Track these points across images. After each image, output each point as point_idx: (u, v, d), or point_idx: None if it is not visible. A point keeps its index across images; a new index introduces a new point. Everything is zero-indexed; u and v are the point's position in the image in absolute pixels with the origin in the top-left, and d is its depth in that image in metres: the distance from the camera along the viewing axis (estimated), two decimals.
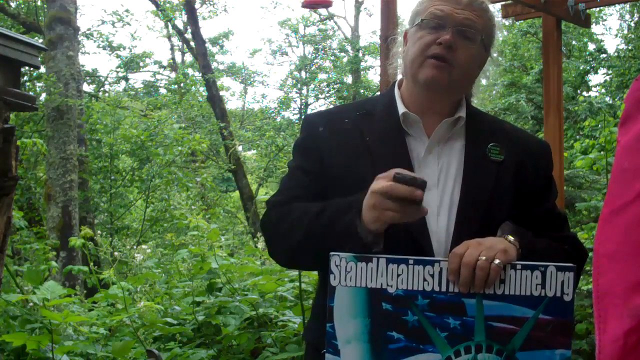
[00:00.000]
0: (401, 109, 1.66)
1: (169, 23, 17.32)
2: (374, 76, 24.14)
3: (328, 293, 1.46)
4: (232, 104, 28.87)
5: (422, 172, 1.60)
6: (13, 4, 13.39)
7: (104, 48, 16.80)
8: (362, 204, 1.45)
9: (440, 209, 1.59)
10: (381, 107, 1.70)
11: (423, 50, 1.59)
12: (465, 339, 1.44)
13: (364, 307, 1.45)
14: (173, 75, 19.68)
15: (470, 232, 1.53)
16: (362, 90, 22.42)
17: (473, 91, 1.75)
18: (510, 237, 1.50)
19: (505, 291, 1.44)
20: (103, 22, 16.21)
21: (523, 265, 1.45)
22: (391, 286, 1.45)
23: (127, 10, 18.16)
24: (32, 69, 6.94)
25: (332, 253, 1.46)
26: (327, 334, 1.46)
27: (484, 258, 1.41)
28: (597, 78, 35.61)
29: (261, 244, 5.76)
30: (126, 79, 17.51)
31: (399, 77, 1.74)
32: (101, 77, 16.80)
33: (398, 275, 1.45)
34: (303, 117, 1.80)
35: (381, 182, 1.42)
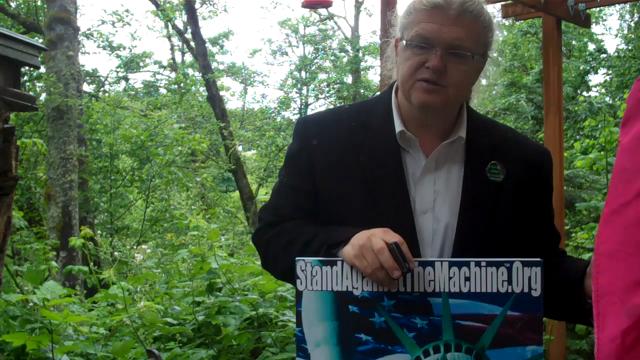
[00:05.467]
0: (398, 126, 1.60)
1: (169, 23, 17.31)
2: (374, 76, 24.13)
3: (296, 298, 1.48)
4: (232, 104, 28.90)
5: (417, 197, 1.58)
6: (13, 4, 13.39)
7: (104, 48, 16.80)
8: (351, 239, 1.46)
9: (434, 235, 1.56)
10: (377, 119, 1.64)
11: (412, 73, 1.54)
12: (434, 339, 1.44)
13: (331, 311, 1.46)
14: (173, 75, 19.67)
15: (471, 256, 1.50)
16: (362, 90, 22.41)
17: (472, 93, 1.70)
18: None
19: (471, 289, 1.43)
20: (103, 22, 16.21)
21: (488, 262, 1.44)
22: (357, 288, 1.45)
23: (127, 10, 18.15)
24: (32, 69, 6.94)
25: (297, 258, 1.47)
26: (297, 338, 1.47)
27: None
28: (597, 78, 35.64)
29: None
30: (126, 79, 17.50)
31: (395, 81, 1.68)
32: (101, 77, 16.79)
33: (363, 278, 1.45)
34: (298, 119, 1.76)
35: (378, 239, 1.41)
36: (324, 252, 1.49)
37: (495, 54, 1.65)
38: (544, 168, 1.68)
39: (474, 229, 1.56)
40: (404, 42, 1.56)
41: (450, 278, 1.44)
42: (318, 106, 24.26)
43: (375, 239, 1.41)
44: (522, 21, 12.93)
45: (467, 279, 1.43)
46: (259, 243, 1.71)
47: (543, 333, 1.56)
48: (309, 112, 24.95)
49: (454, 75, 1.53)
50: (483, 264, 1.44)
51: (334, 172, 1.60)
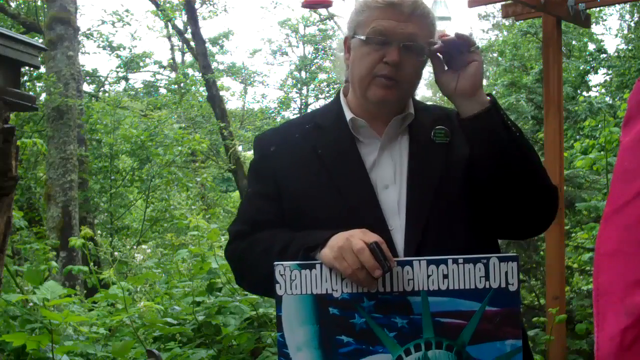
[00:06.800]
0: (348, 114, 1.66)
1: (169, 23, 17.31)
2: None
3: (275, 303, 1.47)
4: (232, 104, 28.87)
5: (378, 174, 1.61)
6: (13, 4, 13.39)
7: (104, 48, 16.81)
8: (329, 242, 1.46)
9: (400, 206, 1.59)
10: (330, 117, 1.70)
11: (370, 69, 1.59)
12: (414, 337, 1.44)
13: (311, 314, 1.46)
14: (173, 75, 19.68)
15: (422, 220, 1.55)
16: None
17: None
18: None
19: (450, 286, 1.44)
20: (103, 22, 16.22)
21: (465, 259, 1.45)
22: (336, 291, 1.46)
23: (127, 10, 18.16)
24: (32, 69, 6.94)
25: (275, 263, 1.47)
26: (279, 343, 1.47)
27: None
28: (597, 78, 35.61)
29: None
30: (126, 79, 17.51)
31: (344, 82, 1.74)
32: (101, 77, 16.80)
33: (342, 280, 1.45)
34: (255, 137, 1.81)
35: (357, 240, 1.42)
36: (302, 256, 1.50)
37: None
38: None
39: (424, 191, 1.58)
40: (362, 37, 1.60)
41: (428, 276, 1.45)
42: (318, 106, 24.28)
43: (354, 240, 1.42)
44: (522, 21, 12.94)
45: (445, 276, 1.44)
46: (231, 257, 1.73)
47: (524, 327, 1.56)
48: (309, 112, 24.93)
49: (409, 69, 1.59)
50: (460, 261, 1.45)
51: (295, 171, 1.64)
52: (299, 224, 1.60)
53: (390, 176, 1.61)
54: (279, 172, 1.66)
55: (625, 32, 18.17)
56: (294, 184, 1.63)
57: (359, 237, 1.43)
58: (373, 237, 1.44)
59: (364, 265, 1.40)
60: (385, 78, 1.58)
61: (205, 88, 14.58)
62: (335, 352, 1.45)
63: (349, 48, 1.67)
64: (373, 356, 1.44)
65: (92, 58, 57.61)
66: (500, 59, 18.94)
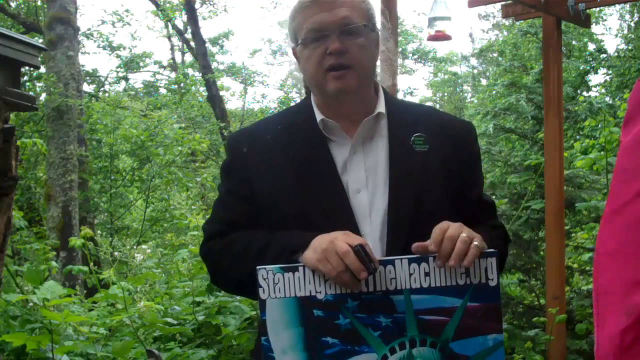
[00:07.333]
0: (319, 116, 1.66)
1: (169, 23, 17.30)
2: None
3: (259, 307, 1.47)
4: (232, 104, 28.87)
5: (349, 175, 1.61)
6: (13, 4, 13.39)
7: (104, 48, 16.78)
8: (311, 244, 1.46)
9: (372, 211, 1.58)
10: (301, 117, 1.70)
11: (318, 66, 1.60)
12: (399, 336, 1.45)
13: (296, 317, 1.46)
14: (173, 75, 19.66)
15: (404, 228, 1.55)
16: None
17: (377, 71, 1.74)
18: None
19: (432, 283, 1.46)
20: (103, 22, 16.21)
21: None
22: (320, 292, 1.46)
23: (127, 10, 18.15)
24: (32, 69, 6.94)
25: (258, 267, 1.47)
26: (264, 347, 1.46)
27: (465, 235, 1.44)
28: (597, 78, 35.61)
29: None
30: (126, 79, 17.49)
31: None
32: (101, 77, 16.79)
33: (325, 281, 1.46)
34: (228, 136, 1.82)
35: (341, 242, 1.42)
36: (285, 259, 1.49)
37: (379, 27, 1.69)
38: (469, 139, 1.72)
39: (405, 199, 1.58)
40: (300, 40, 1.62)
41: (410, 274, 1.46)
42: None
43: (338, 242, 1.43)
44: (522, 21, 12.93)
45: (427, 274, 1.46)
46: (207, 256, 1.72)
47: (503, 322, 1.58)
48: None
49: (355, 51, 1.59)
50: None
51: (268, 172, 1.64)
52: (270, 225, 1.60)
53: (362, 180, 1.60)
54: (251, 172, 1.65)
55: (625, 32, 18.17)
56: (265, 184, 1.63)
57: (343, 240, 1.43)
58: (357, 239, 1.44)
59: (348, 268, 1.41)
60: (334, 69, 1.58)
61: (205, 88, 14.58)
62: (321, 354, 1.45)
63: (298, 57, 1.68)
64: (359, 356, 1.45)
65: (92, 58, 57.54)
66: (500, 59, 18.94)
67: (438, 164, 1.61)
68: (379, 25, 1.69)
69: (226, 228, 1.66)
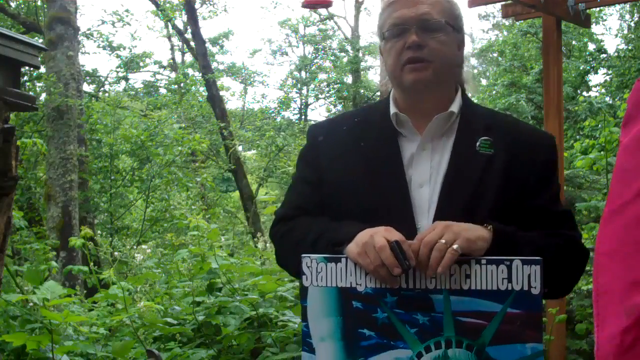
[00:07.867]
0: (392, 110, 1.70)
1: (169, 23, 17.31)
2: (374, 76, 24.16)
3: (301, 293, 1.52)
4: (232, 104, 28.89)
5: (414, 170, 1.64)
6: (13, 4, 13.39)
7: (104, 48, 16.79)
8: (355, 237, 1.50)
9: (430, 207, 1.61)
10: (377, 111, 1.75)
11: (397, 59, 1.65)
12: (435, 335, 1.45)
13: (335, 306, 1.49)
14: (173, 75, 19.67)
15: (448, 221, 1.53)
16: (362, 90, 22.42)
17: (465, 78, 1.78)
18: (488, 225, 1.51)
19: (472, 286, 1.45)
20: (103, 22, 16.21)
21: (488, 260, 1.46)
22: (360, 285, 1.49)
23: (127, 10, 18.18)
24: (32, 69, 6.94)
25: (303, 255, 1.51)
26: (303, 333, 1.50)
27: (443, 241, 1.44)
28: (597, 78, 35.61)
29: (261, 244, 5.76)
30: (126, 79, 17.49)
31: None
32: (101, 77, 16.79)
33: (366, 274, 1.48)
34: (309, 126, 1.88)
35: (380, 237, 1.45)
36: (330, 250, 1.54)
37: (469, 32, 1.76)
38: (542, 149, 1.70)
39: (456, 198, 1.59)
40: (383, 35, 1.69)
41: (451, 275, 1.45)
42: (318, 106, 24.31)
43: (377, 237, 1.45)
44: (522, 21, 12.93)
45: (468, 276, 1.45)
46: (273, 239, 1.81)
47: (543, 332, 1.56)
48: (309, 112, 24.98)
49: (434, 46, 1.63)
50: (483, 261, 1.45)
51: (339, 162, 1.69)
52: (334, 214, 1.65)
53: (426, 175, 1.63)
54: (323, 162, 1.72)
55: (625, 32, 18.17)
56: (334, 174, 1.69)
57: (382, 235, 1.46)
58: (395, 235, 1.46)
59: (384, 263, 1.43)
60: (412, 62, 1.62)
61: (205, 88, 14.58)
62: (357, 345, 1.47)
63: (382, 53, 1.74)
64: (394, 351, 1.46)
65: (92, 58, 57.67)
66: (500, 59, 18.94)
67: (499, 169, 1.61)
68: (466, 29, 1.74)
69: (293, 212, 1.74)
